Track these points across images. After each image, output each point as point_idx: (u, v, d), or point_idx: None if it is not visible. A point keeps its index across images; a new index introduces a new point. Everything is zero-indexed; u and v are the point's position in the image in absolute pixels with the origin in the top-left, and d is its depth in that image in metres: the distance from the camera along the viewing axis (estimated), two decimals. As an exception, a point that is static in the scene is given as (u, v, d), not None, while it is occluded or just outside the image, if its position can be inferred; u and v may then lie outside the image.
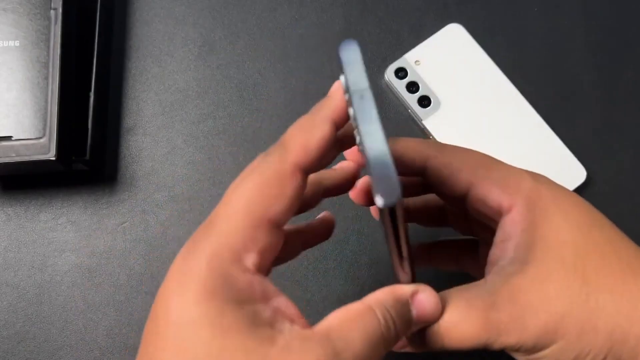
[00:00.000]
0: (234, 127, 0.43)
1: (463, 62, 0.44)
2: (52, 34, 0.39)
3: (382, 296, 0.22)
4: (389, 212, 0.19)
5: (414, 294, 0.22)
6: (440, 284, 0.24)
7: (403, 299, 0.22)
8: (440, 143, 0.26)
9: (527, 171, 0.25)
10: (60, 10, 0.39)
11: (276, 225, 0.21)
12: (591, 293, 0.22)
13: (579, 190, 0.42)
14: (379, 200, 0.18)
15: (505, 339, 0.22)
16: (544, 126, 0.42)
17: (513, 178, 0.24)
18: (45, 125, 0.38)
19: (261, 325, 0.19)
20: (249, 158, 0.42)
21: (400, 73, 0.43)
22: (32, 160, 0.38)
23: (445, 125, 0.42)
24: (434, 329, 0.23)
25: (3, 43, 0.39)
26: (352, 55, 0.21)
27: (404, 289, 0.22)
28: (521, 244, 0.23)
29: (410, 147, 0.26)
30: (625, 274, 0.22)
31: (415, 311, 0.22)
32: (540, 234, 0.23)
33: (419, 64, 0.43)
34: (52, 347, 0.39)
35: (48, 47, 0.39)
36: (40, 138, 0.38)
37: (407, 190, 0.28)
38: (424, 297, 0.22)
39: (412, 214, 0.30)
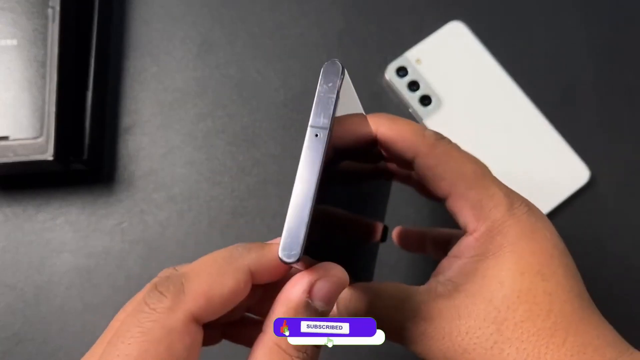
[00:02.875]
0: (233, 127, 0.43)
1: (465, 60, 0.43)
2: (49, 32, 0.38)
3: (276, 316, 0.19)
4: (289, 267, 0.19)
5: (310, 288, 0.19)
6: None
7: (300, 305, 0.19)
8: (434, 138, 0.26)
9: (507, 197, 0.24)
10: (57, 8, 0.39)
11: None
12: (499, 342, 0.22)
13: (583, 190, 0.41)
14: (282, 256, 0.18)
15: (413, 348, 0.23)
16: (547, 126, 0.42)
17: (488, 203, 0.24)
18: (42, 124, 0.37)
19: None
20: (248, 158, 0.43)
21: (401, 72, 0.43)
22: (30, 160, 0.37)
23: (447, 125, 0.42)
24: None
25: (0, 42, 0.38)
26: (329, 83, 0.19)
27: (294, 293, 0.19)
28: (464, 269, 0.24)
29: (404, 137, 0.26)
30: (553, 333, 0.21)
31: (321, 303, 0.20)
32: (483, 268, 0.23)
33: (420, 63, 0.43)
34: (50, 348, 0.39)
35: (45, 46, 0.38)
36: (37, 138, 0.37)
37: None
38: (321, 285, 0.19)
39: (413, 181, 0.32)
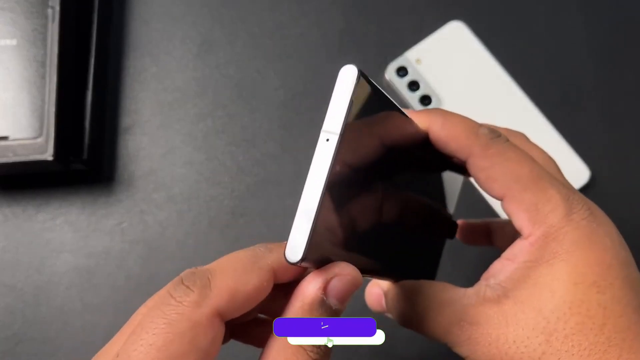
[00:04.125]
0: (233, 127, 0.43)
1: (465, 60, 0.43)
2: (49, 32, 0.38)
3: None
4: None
5: (325, 285, 0.19)
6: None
7: (315, 301, 0.19)
8: (489, 137, 0.25)
9: (566, 201, 0.23)
10: (57, 8, 0.39)
11: None
12: (547, 354, 0.21)
13: (583, 190, 0.41)
14: (287, 257, 0.18)
15: (458, 350, 0.23)
16: (548, 125, 0.42)
17: (545, 206, 0.23)
18: (42, 125, 0.37)
19: None
20: (248, 157, 0.43)
21: (401, 72, 0.43)
22: (30, 161, 0.37)
23: (447, 125, 0.42)
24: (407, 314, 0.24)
25: (0, 42, 0.38)
26: (343, 88, 0.19)
27: (310, 289, 0.19)
28: (515, 274, 0.23)
29: (456, 137, 0.25)
30: (606, 349, 0.21)
31: (335, 300, 0.20)
32: (535, 276, 0.22)
33: (420, 63, 0.43)
34: (50, 348, 0.39)
35: (45, 46, 0.38)
36: (37, 138, 0.37)
37: None
38: (336, 283, 0.19)
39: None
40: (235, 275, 0.19)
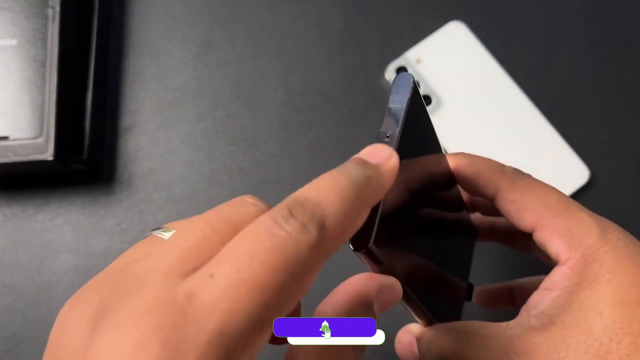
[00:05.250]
0: (233, 127, 0.43)
1: (465, 60, 0.43)
2: (49, 32, 0.38)
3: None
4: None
5: (379, 291, 0.19)
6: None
7: (368, 303, 0.19)
8: (515, 172, 0.26)
9: (599, 223, 0.24)
10: (57, 8, 0.39)
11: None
12: None
13: (582, 190, 0.41)
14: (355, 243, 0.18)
15: None
16: (547, 125, 0.42)
17: (579, 229, 0.23)
18: (42, 124, 0.37)
19: None
20: (248, 158, 0.43)
21: (401, 72, 0.43)
22: (30, 160, 0.37)
23: (447, 125, 0.42)
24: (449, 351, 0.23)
25: (0, 42, 0.38)
26: (399, 94, 0.20)
27: (367, 288, 0.19)
28: (558, 301, 0.23)
29: (484, 173, 0.25)
30: None
31: (377, 308, 0.19)
32: (580, 299, 0.22)
33: (420, 63, 0.43)
34: (50, 348, 0.39)
35: (45, 46, 0.38)
36: (37, 138, 0.37)
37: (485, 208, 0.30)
38: (388, 291, 0.19)
39: (497, 234, 0.31)
40: (347, 217, 0.16)
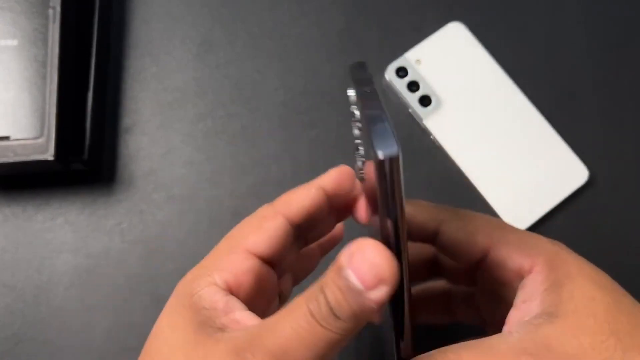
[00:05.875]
0: (233, 127, 0.43)
1: (464, 61, 0.43)
2: (50, 33, 0.38)
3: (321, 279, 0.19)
4: (390, 168, 0.17)
5: (350, 257, 0.18)
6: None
7: (336, 267, 0.18)
8: (452, 208, 0.26)
9: (543, 237, 0.25)
10: (58, 9, 0.39)
11: (255, 254, 0.23)
12: (627, 351, 0.21)
13: (581, 191, 0.41)
14: (380, 153, 0.17)
15: None
16: (546, 126, 0.42)
17: (531, 241, 0.24)
18: (43, 125, 0.37)
19: (211, 326, 0.21)
20: (249, 158, 0.43)
21: (401, 72, 0.43)
22: (30, 160, 0.37)
23: (446, 125, 0.42)
24: None
25: (0, 42, 0.38)
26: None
27: (339, 260, 0.18)
28: (546, 302, 0.22)
29: (423, 209, 0.25)
30: None
31: (356, 280, 0.18)
32: (566, 292, 0.22)
33: (419, 63, 0.43)
34: (50, 348, 0.39)
35: (46, 46, 0.38)
36: (38, 138, 0.37)
37: (412, 273, 0.25)
38: (356, 253, 0.18)
39: (416, 305, 0.29)
40: (288, 193, 0.24)
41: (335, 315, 0.18)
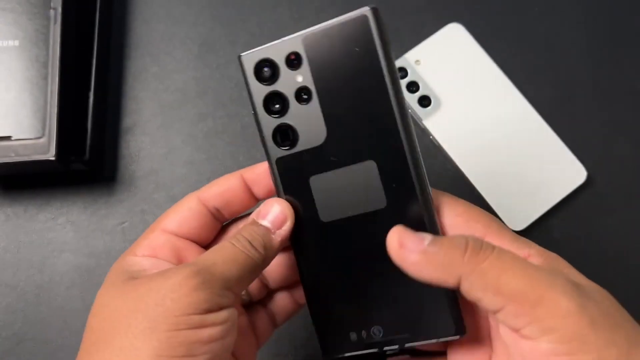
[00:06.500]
0: (234, 127, 0.43)
1: (463, 62, 0.43)
2: (51, 33, 0.38)
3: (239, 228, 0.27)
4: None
5: (258, 212, 0.27)
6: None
7: (250, 220, 0.27)
8: (453, 196, 0.27)
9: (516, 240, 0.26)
10: (59, 9, 0.39)
11: (167, 231, 0.27)
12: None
13: (580, 190, 0.42)
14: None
15: None
16: (545, 126, 0.42)
17: (523, 239, 0.26)
18: (44, 125, 0.38)
19: (138, 276, 0.25)
20: (249, 158, 0.43)
21: (401, 73, 0.43)
22: (32, 160, 0.37)
23: (446, 126, 0.42)
24: None
25: (2, 43, 0.39)
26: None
27: (252, 214, 0.27)
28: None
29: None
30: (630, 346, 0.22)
31: (264, 222, 0.26)
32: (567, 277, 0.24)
33: (419, 64, 0.43)
34: (51, 348, 0.39)
35: (47, 47, 0.38)
36: (39, 138, 0.37)
37: None
38: (263, 206, 0.27)
39: None
40: (214, 182, 0.28)
41: (251, 244, 0.25)
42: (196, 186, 0.43)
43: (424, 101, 0.42)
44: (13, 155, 0.37)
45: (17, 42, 0.38)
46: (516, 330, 0.22)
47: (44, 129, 0.37)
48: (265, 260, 0.26)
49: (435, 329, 0.25)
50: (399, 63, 0.43)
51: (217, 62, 0.44)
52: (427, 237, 0.23)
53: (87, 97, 0.41)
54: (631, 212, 0.42)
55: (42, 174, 0.42)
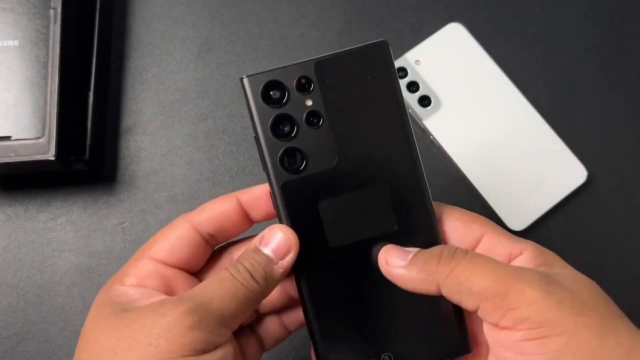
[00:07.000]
0: (234, 127, 0.43)
1: (463, 61, 0.43)
2: (51, 33, 0.39)
3: (239, 256, 0.26)
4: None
5: (261, 238, 0.26)
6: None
7: (252, 247, 0.25)
8: (448, 204, 0.27)
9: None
10: (59, 9, 0.39)
11: (156, 260, 0.26)
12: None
13: (580, 190, 0.41)
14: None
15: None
16: (545, 126, 0.42)
17: (520, 238, 0.27)
18: (44, 125, 0.38)
19: (133, 307, 0.24)
20: (249, 158, 0.43)
21: (401, 73, 0.43)
22: (32, 160, 0.37)
23: (446, 125, 0.42)
24: None
25: (2, 43, 0.39)
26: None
27: (253, 240, 0.26)
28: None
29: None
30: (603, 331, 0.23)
31: (267, 250, 0.25)
32: (557, 268, 0.25)
33: (419, 64, 0.43)
34: (52, 347, 0.39)
35: (47, 47, 0.38)
36: (39, 138, 0.38)
37: None
38: (267, 233, 0.26)
39: None
40: (210, 202, 0.27)
41: (252, 276, 0.24)
42: (196, 186, 0.43)
43: (424, 101, 0.42)
44: (13, 155, 0.37)
45: (17, 42, 0.38)
46: (495, 325, 0.23)
47: (43, 129, 0.37)
48: (265, 293, 0.25)
49: (445, 348, 0.26)
50: (398, 63, 0.43)
51: (217, 62, 0.44)
52: (412, 252, 0.25)
53: (87, 97, 0.41)
54: (632, 211, 0.42)
55: (42, 174, 0.42)
